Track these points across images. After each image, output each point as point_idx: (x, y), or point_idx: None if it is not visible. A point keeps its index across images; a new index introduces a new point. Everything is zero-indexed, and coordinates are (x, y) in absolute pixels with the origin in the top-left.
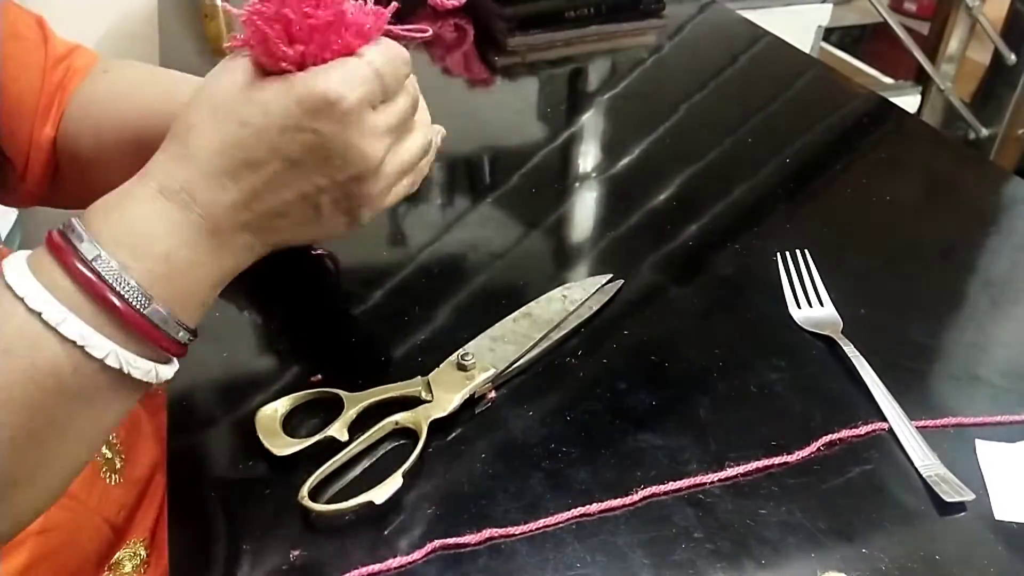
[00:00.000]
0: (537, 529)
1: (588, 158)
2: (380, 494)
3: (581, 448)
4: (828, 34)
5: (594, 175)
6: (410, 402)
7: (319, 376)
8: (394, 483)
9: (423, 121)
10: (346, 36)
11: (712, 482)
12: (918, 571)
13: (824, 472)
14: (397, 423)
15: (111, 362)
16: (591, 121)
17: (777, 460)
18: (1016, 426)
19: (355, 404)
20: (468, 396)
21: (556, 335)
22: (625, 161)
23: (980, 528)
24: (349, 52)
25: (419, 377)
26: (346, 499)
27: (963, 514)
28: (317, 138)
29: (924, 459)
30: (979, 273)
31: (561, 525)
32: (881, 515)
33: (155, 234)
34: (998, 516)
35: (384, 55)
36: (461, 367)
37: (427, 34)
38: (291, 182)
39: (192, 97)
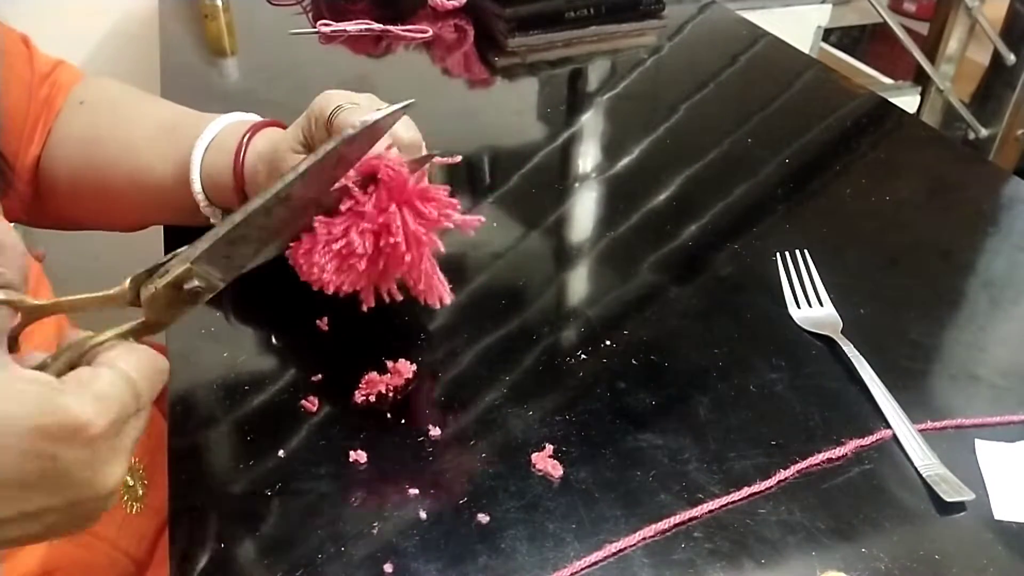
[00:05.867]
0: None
1: (588, 158)
2: None
3: (581, 448)
4: (828, 34)
5: (594, 175)
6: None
7: (319, 376)
8: None
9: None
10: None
11: (724, 505)
12: (918, 571)
13: (824, 472)
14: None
15: None
16: (591, 121)
17: (779, 475)
18: (1016, 426)
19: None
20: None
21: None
22: (625, 161)
23: (980, 528)
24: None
25: (123, 289)
26: None
27: (963, 514)
28: (55, 465)
29: (924, 459)
30: (979, 273)
31: (561, 525)
32: (881, 515)
33: None
34: (998, 516)
35: (143, 368)
36: (188, 292)
37: (427, 35)
38: (14, 502)
39: None
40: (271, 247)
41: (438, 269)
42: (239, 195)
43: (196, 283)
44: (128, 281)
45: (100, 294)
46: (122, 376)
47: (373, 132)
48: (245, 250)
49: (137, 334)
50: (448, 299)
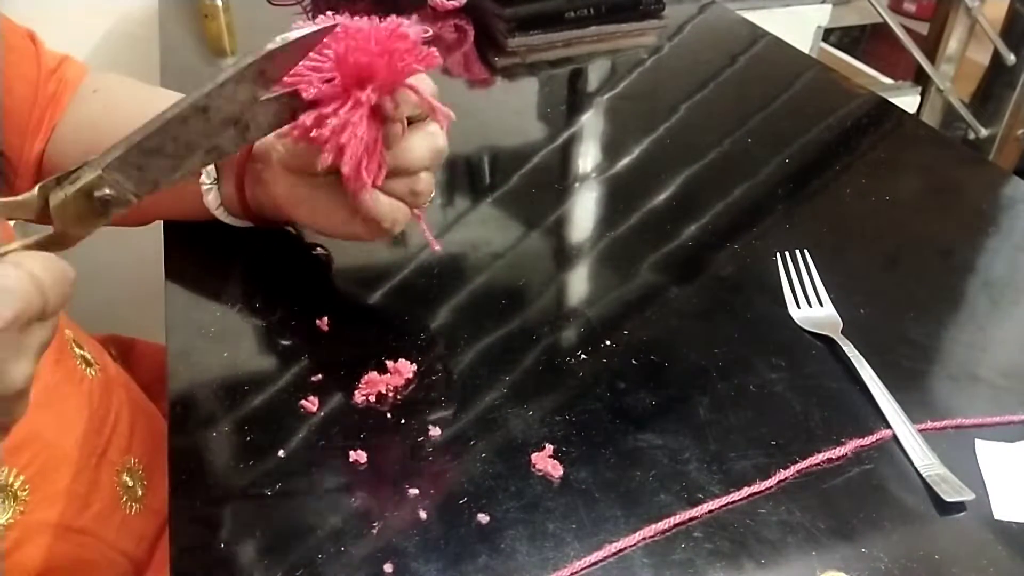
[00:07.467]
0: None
1: (588, 158)
2: None
3: (581, 448)
4: (828, 34)
5: (594, 175)
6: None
7: (319, 376)
8: None
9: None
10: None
11: (724, 506)
12: (918, 571)
13: (824, 472)
14: None
15: None
16: (591, 121)
17: (779, 475)
18: (1016, 426)
19: None
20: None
21: (233, 138)
22: (625, 161)
23: (980, 528)
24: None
25: (32, 196)
26: None
27: (963, 514)
28: None
29: (924, 459)
30: (979, 273)
31: (561, 525)
32: (881, 515)
33: None
34: (998, 516)
35: (49, 269)
36: (98, 200)
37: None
38: None
39: None
40: (185, 166)
41: (381, 151)
42: (240, 168)
43: (107, 191)
44: (37, 188)
45: (6, 200)
46: (27, 273)
47: (295, 49)
48: (160, 163)
49: (45, 246)
50: (378, 182)
